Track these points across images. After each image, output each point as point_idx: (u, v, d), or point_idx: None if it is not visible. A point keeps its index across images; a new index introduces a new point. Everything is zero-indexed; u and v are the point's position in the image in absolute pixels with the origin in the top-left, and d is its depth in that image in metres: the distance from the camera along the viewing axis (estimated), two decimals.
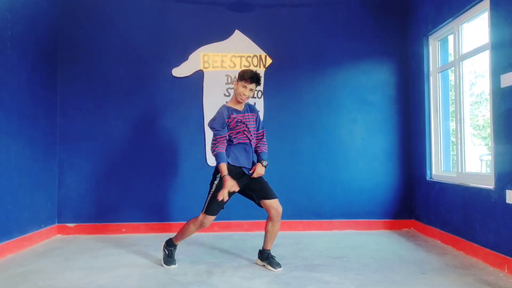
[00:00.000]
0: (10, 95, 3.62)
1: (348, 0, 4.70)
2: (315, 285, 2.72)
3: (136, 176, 4.51)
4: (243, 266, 3.20)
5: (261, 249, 3.22)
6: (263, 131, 3.28)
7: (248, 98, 3.08)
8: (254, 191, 3.10)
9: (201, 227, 3.07)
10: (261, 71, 4.59)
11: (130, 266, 3.19)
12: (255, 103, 4.56)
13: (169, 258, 3.17)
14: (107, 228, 4.43)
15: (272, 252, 3.19)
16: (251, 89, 3.05)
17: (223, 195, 2.88)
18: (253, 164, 3.16)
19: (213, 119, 3.06)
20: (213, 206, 3.01)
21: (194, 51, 4.57)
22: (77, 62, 4.52)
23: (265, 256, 3.16)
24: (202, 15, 4.62)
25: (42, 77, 4.19)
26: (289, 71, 4.64)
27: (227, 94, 4.57)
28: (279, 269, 3.05)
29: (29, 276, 2.94)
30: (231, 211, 4.46)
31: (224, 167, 2.95)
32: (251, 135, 3.13)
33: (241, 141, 3.09)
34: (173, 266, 3.14)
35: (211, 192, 3.03)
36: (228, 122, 3.04)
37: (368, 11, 4.71)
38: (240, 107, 3.14)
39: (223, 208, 3.07)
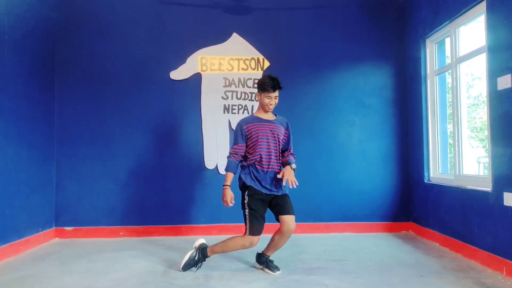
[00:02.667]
0: (8, 98, 3.62)
1: (345, 3, 4.72)
2: None
3: (134, 180, 4.50)
4: (242, 269, 3.19)
5: (260, 252, 3.21)
6: (291, 149, 3.24)
7: (275, 105, 3.10)
8: (277, 206, 3.05)
9: (250, 246, 3.00)
10: (258, 74, 4.59)
11: (127, 270, 3.18)
12: (253, 106, 4.57)
13: (193, 267, 3.08)
14: (105, 232, 4.42)
15: (271, 256, 3.18)
16: (275, 97, 3.07)
17: (227, 203, 3.03)
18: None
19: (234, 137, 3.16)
20: (256, 228, 2.96)
21: (192, 54, 4.57)
22: (75, 65, 4.52)
23: (263, 260, 3.15)
24: (200, 18, 4.62)
25: (40, 80, 4.18)
26: (287, 74, 4.64)
27: (225, 97, 4.57)
28: (278, 273, 3.04)
29: (26, 280, 2.92)
30: (229, 214, 4.48)
31: (228, 177, 3.05)
32: (269, 151, 3.05)
33: (255, 162, 3.05)
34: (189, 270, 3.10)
35: (247, 214, 3.01)
36: (246, 130, 3.07)
37: (365, 14, 4.72)
38: (267, 116, 3.13)
39: (264, 221, 3.03)
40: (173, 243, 4.09)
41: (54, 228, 4.39)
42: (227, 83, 4.60)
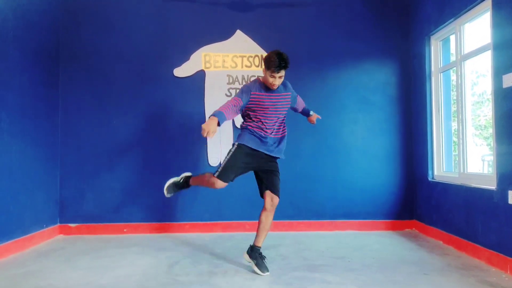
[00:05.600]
0: (12, 95, 3.63)
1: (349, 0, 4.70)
2: (317, 285, 2.72)
3: (138, 176, 4.51)
4: (245, 266, 3.19)
5: (252, 244, 3.13)
6: (302, 103, 3.48)
7: (279, 85, 3.04)
8: (268, 180, 3.07)
9: (211, 187, 3.08)
10: (262, 71, 4.57)
11: (131, 266, 3.20)
12: None
13: (176, 190, 3.36)
14: (109, 228, 4.44)
15: (274, 253, 3.17)
16: (280, 77, 2.96)
17: (205, 131, 2.69)
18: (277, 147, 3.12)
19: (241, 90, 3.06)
20: (226, 173, 2.99)
21: (195, 51, 4.57)
22: (79, 62, 4.53)
23: (255, 255, 3.05)
24: (204, 15, 4.62)
25: (44, 77, 4.19)
26: (290, 71, 4.55)
27: (228, 94, 4.57)
28: (267, 273, 2.94)
29: (31, 276, 2.95)
30: (232, 211, 4.49)
31: (219, 119, 2.81)
32: (271, 124, 3.04)
33: (256, 129, 3.03)
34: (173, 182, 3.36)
35: (227, 159, 3.02)
36: (251, 96, 2.98)
37: (369, 11, 4.70)
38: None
39: (232, 181, 3.06)
40: (177, 240, 4.11)
41: (58, 224, 4.41)
42: (231, 80, 4.60)
